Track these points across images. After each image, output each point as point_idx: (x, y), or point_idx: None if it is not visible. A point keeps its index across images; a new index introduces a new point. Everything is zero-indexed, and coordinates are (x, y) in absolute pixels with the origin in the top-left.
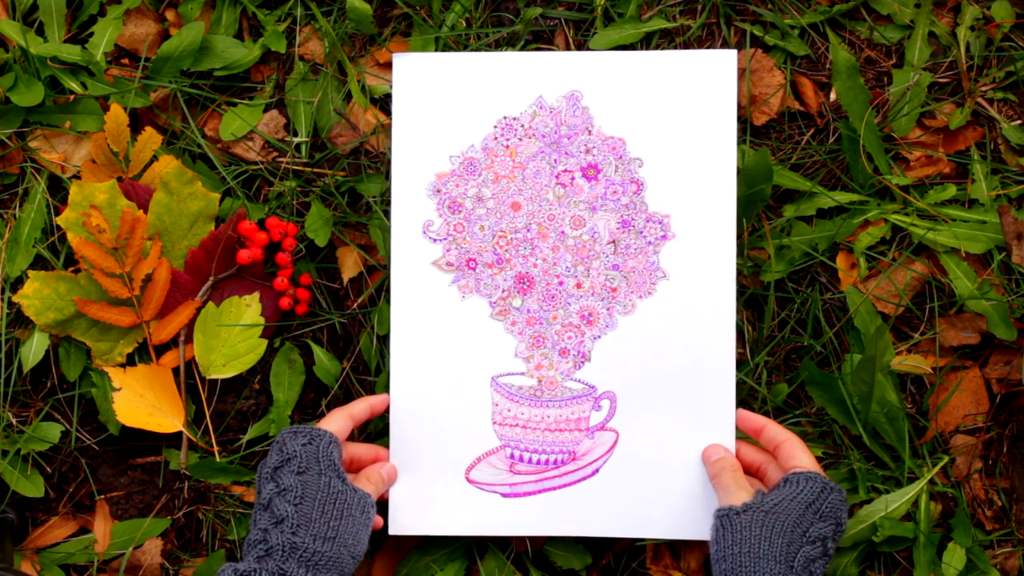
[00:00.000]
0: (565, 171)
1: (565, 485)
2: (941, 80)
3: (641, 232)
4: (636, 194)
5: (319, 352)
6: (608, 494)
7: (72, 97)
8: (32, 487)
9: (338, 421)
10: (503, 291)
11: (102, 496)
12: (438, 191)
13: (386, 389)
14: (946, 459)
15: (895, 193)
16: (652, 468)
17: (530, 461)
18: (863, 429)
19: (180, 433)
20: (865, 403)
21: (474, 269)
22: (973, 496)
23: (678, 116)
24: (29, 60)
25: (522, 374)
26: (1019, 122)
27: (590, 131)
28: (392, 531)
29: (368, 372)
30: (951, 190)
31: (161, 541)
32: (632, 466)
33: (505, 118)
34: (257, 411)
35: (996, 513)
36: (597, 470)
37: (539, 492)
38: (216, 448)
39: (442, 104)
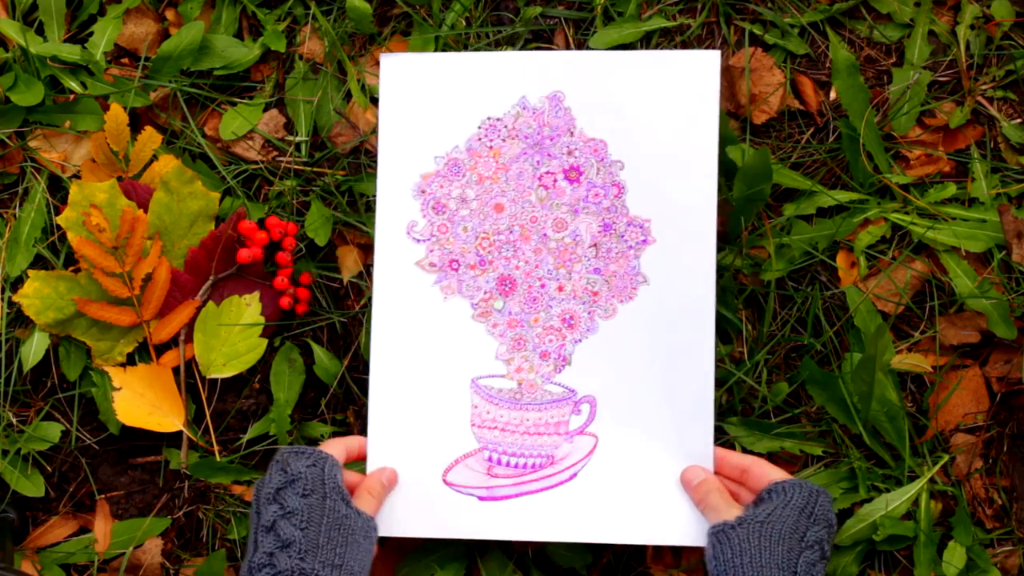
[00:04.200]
0: (548, 173)
1: (543, 489)
2: (941, 79)
3: (622, 236)
4: (617, 197)
5: (319, 351)
6: (586, 499)
7: (72, 97)
8: (32, 487)
9: (335, 447)
10: (485, 293)
11: (102, 495)
12: (423, 192)
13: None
14: (946, 458)
15: (895, 192)
16: (631, 473)
17: (508, 464)
18: (863, 428)
19: (180, 432)
20: (865, 402)
21: (457, 270)
22: (973, 495)
23: (659, 118)
24: (29, 60)
25: (502, 376)
26: (1019, 121)
27: (572, 132)
28: None
29: (367, 371)
30: (951, 189)
31: (161, 540)
32: (611, 471)
33: (489, 119)
34: (257, 410)
35: (996, 512)
36: (575, 474)
37: (517, 496)
38: (216, 447)
39: (428, 105)
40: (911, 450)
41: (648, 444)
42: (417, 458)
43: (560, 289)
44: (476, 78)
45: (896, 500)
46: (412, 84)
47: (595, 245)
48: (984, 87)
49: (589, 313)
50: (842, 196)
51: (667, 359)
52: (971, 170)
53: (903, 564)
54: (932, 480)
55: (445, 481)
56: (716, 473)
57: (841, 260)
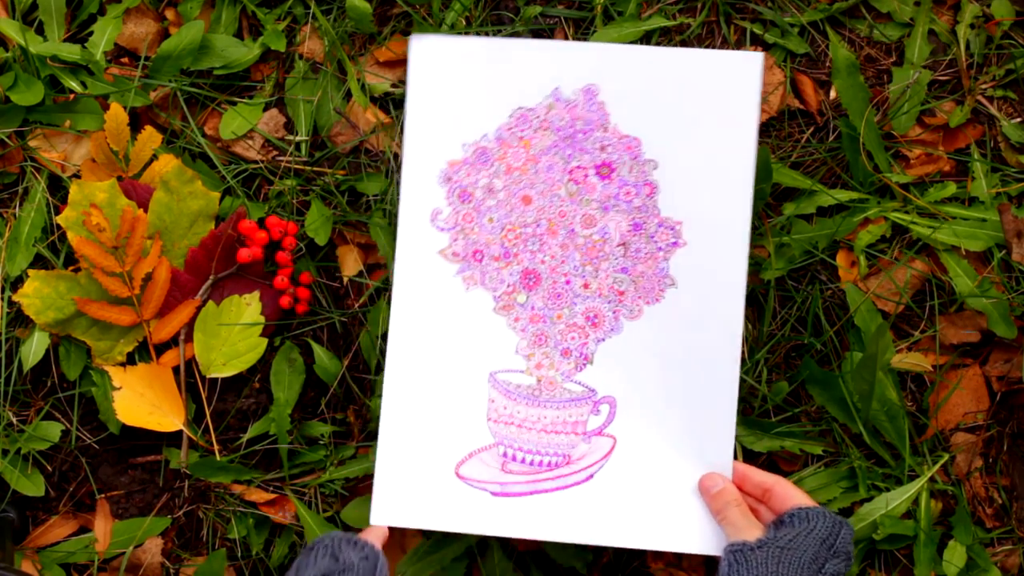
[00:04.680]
0: (579, 167)
1: (557, 488)
2: (941, 78)
3: (652, 237)
4: (649, 197)
5: (319, 351)
6: (601, 501)
7: (72, 96)
8: (32, 486)
9: (378, 536)
10: (508, 286)
11: (102, 495)
12: (449, 179)
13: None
14: (946, 457)
15: (895, 191)
16: (648, 477)
17: (523, 461)
18: (863, 427)
19: (180, 432)
20: (865, 401)
21: (480, 261)
22: (973, 494)
23: (697, 119)
24: (29, 59)
25: (521, 372)
26: (1019, 120)
27: (606, 128)
28: (374, 520)
29: (368, 371)
30: (951, 188)
31: (161, 540)
32: (628, 474)
33: (520, 108)
34: (257, 410)
35: (996, 511)
36: (591, 475)
37: (530, 494)
38: (216, 447)
39: (458, 90)
40: (911, 449)
41: (667, 449)
42: (430, 449)
43: (585, 286)
44: (509, 65)
45: (896, 499)
46: (442, 67)
47: (624, 244)
48: (984, 86)
49: (614, 312)
50: (842, 195)
51: (691, 364)
52: (971, 169)
53: (903, 563)
54: (932, 479)
55: (458, 474)
56: (738, 489)
57: (841, 259)
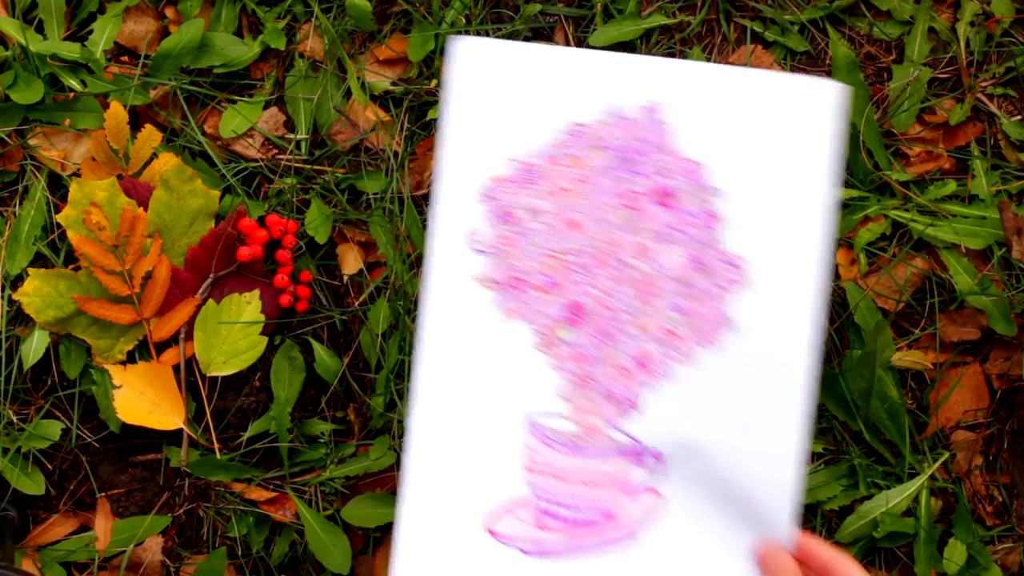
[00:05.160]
0: (634, 192)
1: (598, 549)
2: (941, 76)
3: (712, 273)
4: (711, 229)
5: (319, 349)
6: (646, 566)
7: (72, 95)
8: (33, 485)
9: None
10: (551, 319)
11: (103, 493)
12: (490, 197)
13: (387, 388)
14: (946, 455)
15: (895, 189)
16: (698, 541)
17: (560, 517)
18: (863, 425)
19: (181, 430)
20: (865, 399)
21: (520, 291)
22: (974, 492)
23: (768, 147)
24: (29, 58)
25: (561, 416)
26: (1019, 118)
27: (666, 151)
28: None
29: (368, 369)
30: (951, 186)
31: (162, 538)
32: (676, 536)
33: (574, 124)
34: (258, 408)
35: (997, 509)
36: (636, 536)
37: (567, 553)
38: (217, 445)
39: (505, 99)
40: (911, 447)
41: (719, 510)
42: (458, 501)
43: (635, 324)
44: (563, 77)
45: (896, 497)
46: (488, 74)
47: (680, 280)
48: (984, 84)
49: (665, 355)
50: (842, 193)
51: (749, 417)
52: (971, 167)
53: (903, 561)
54: (932, 477)
55: (488, 530)
56: (797, 561)
57: (841, 257)
